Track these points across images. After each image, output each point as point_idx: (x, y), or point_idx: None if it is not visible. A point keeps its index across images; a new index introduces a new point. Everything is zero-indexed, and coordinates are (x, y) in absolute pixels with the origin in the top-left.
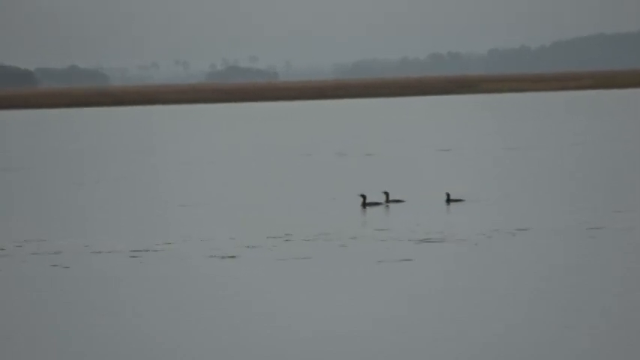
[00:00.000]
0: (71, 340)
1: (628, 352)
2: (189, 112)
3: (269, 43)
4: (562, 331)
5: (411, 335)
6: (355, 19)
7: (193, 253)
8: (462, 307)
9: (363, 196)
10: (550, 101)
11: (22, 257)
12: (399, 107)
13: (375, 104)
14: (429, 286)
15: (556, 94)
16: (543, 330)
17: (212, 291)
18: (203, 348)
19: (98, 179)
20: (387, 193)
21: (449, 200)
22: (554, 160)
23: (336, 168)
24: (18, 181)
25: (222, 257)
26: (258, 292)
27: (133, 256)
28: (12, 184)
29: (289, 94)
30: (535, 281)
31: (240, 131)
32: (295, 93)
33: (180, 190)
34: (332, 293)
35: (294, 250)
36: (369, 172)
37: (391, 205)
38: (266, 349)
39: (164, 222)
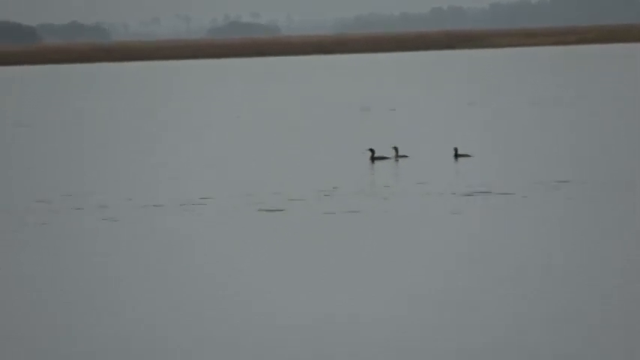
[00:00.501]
0: (133, 293)
1: None
2: (194, 68)
3: None
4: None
5: (473, 286)
6: None
7: (241, 207)
8: (520, 260)
9: (372, 151)
10: (555, 55)
11: (69, 211)
12: (407, 62)
13: (381, 59)
14: (480, 240)
15: (558, 48)
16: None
17: (265, 243)
18: (264, 297)
19: (119, 135)
20: (396, 148)
21: (457, 155)
22: (582, 114)
23: (362, 122)
24: (36, 137)
25: (271, 210)
26: (310, 245)
27: (181, 210)
28: (32, 139)
29: (292, 49)
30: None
31: (256, 86)
32: (298, 48)
33: (211, 145)
34: (384, 247)
35: (340, 204)
36: (396, 127)
37: (400, 159)
38: (322, 300)
39: (204, 177)
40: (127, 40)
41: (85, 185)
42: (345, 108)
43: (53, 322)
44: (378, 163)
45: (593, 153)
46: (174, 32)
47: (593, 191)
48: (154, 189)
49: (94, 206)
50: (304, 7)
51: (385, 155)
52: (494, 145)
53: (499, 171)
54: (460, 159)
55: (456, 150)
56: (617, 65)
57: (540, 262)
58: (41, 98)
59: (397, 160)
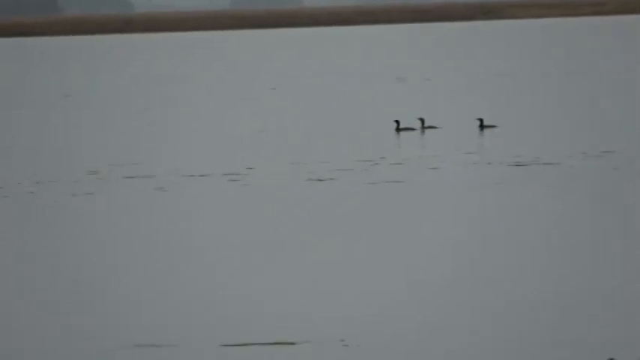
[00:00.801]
0: (183, 261)
1: None
2: (217, 40)
3: None
4: None
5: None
6: None
7: (288, 176)
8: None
9: (397, 122)
10: (578, 27)
11: (118, 180)
12: (431, 33)
13: (403, 30)
14: (530, 211)
15: (578, 19)
16: None
17: (312, 211)
18: (312, 265)
19: (161, 106)
20: (422, 120)
21: (482, 126)
22: (606, 85)
23: (398, 93)
24: (81, 107)
25: (319, 180)
26: (357, 214)
27: (229, 180)
28: (77, 109)
29: (314, 21)
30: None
31: (286, 58)
32: (320, 19)
33: (251, 116)
34: (430, 217)
35: (386, 173)
36: (427, 98)
37: (427, 130)
38: (370, 270)
39: (247, 147)
40: (149, 11)
41: (131, 155)
42: (380, 78)
43: (106, 286)
44: (403, 134)
45: (625, 123)
46: (196, 4)
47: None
48: (200, 159)
49: (142, 176)
50: None
51: (411, 126)
52: (521, 115)
53: (532, 141)
54: (486, 130)
55: (481, 121)
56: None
57: (587, 235)
58: (75, 69)
59: (423, 132)
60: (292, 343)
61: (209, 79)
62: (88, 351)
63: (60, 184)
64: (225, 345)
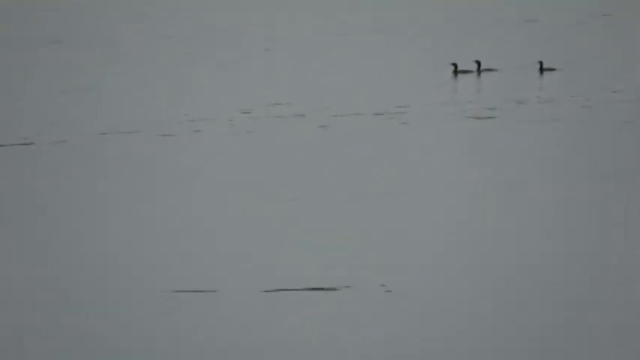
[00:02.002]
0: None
1: None
2: None
3: None
4: None
5: None
6: None
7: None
8: None
9: (455, 65)
10: None
11: (271, 120)
12: None
13: None
14: None
15: None
16: None
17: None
18: (354, 209)
19: (303, 44)
20: (478, 62)
21: (542, 69)
22: None
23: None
24: (231, 47)
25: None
26: (431, 155)
27: (384, 119)
28: (228, 50)
29: None
30: None
31: None
32: None
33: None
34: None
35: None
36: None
37: (483, 73)
38: (417, 217)
39: (338, 88)
40: None
41: (282, 95)
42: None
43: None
44: (461, 76)
45: None
46: None
47: None
48: (350, 97)
49: (293, 115)
50: None
51: (469, 69)
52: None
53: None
54: (545, 72)
55: (541, 63)
56: None
57: None
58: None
59: (479, 75)
60: (333, 289)
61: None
62: (128, 296)
63: (215, 124)
64: (266, 291)
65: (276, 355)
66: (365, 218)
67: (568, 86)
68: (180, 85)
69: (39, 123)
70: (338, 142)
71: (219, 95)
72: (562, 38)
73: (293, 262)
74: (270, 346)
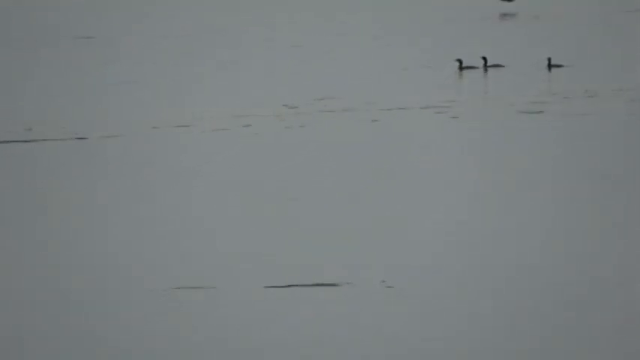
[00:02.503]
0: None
1: None
2: None
3: None
4: None
5: None
6: None
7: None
8: None
9: (460, 61)
10: None
11: (317, 115)
12: None
13: None
14: None
15: None
16: None
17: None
18: (354, 206)
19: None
20: (484, 58)
21: (550, 66)
22: None
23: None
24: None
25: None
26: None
27: (432, 112)
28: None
29: None
30: None
31: None
32: None
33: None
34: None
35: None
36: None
37: (490, 69)
38: (417, 213)
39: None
40: None
41: (325, 89)
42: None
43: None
44: (466, 72)
45: None
46: None
47: None
48: (394, 92)
49: (340, 110)
50: None
51: (474, 65)
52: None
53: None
54: (553, 69)
55: (549, 60)
56: None
57: None
58: None
59: (486, 71)
60: (334, 285)
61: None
62: (128, 294)
63: (260, 118)
64: (268, 287)
65: (277, 351)
66: (367, 214)
67: (578, 82)
68: (227, 80)
69: (90, 117)
70: (388, 136)
71: (263, 91)
72: (566, 35)
73: (294, 258)
74: (270, 343)
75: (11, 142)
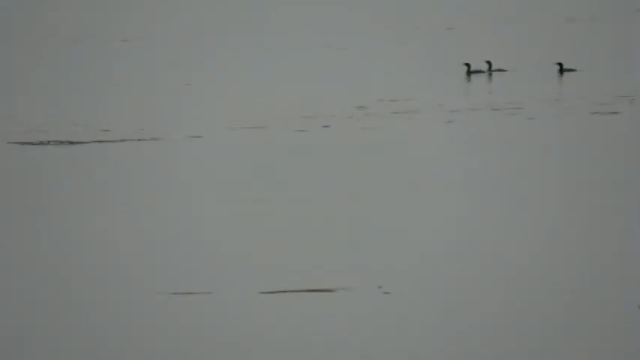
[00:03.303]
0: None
1: None
2: None
3: None
4: None
5: None
6: None
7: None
8: None
9: (468, 65)
10: None
11: (385, 116)
12: None
13: None
14: None
15: None
16: None
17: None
18: (350, 212)
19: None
20: (489, 62)
21: (561, 70)
22: None
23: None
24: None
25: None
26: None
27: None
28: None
29: None
30: None
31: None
32: None
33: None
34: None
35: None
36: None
37: (494, 73)
38: (412, 218)
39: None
40: None
41: (394, 91)
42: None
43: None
44: (473, 76)
45: None
46: None
47: None
48: (460, 93)
49: (411, 111)
50: None
51: (481, 69)
52: (598, 59)
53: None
54: (565, 74)
55: (560, 65)
56: None
57: None
58: None
59: (490, 74)
60: (330, 290)
61: None
62: (128, 297)
63: (332, 119)
64: (263, 292)
65: (272, 357)
66: (364, 219)
67: (589, 88)
68: (297, 82)
69: (166, 118)
70: (463, 137)
71: (333, 92)
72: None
73: (291, 263)
74: (265, 348)
75: (89, 142)
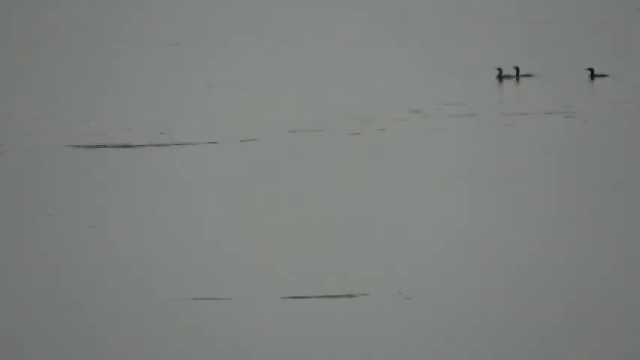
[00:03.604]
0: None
1: None
2: None
3: None
4: None
5: None
6: None
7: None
8: None
9: (500, 70)
10: None
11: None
12: None
13: None
14: None
15: None
16: None
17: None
18: (369, 216)
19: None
20: (517, 68)
21: (592, 75)
22: None
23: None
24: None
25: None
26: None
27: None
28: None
29: None
30: None
31: None
32: None
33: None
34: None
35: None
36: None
37: (522, 79)
38: (431, 222)
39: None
40: None
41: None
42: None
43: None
44: (504, 81)
45: None
46: None
47: None
48: (513, 96)
49: (466, 114)
50: None
51: (510, 74)
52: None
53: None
54: (597, 79)
55: (591, 70)
56: None
57: None
58: None
59: (518, 80)
60: (351, 296)
61: None
62: (148, 302)
63: (371, 123)
64: (285, 297)
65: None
66: (384, 224)
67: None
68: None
69: (224, 121)
70: (521, 141)
71: (386, 95)
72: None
73: (312, 268)
74: (287, 354)
75: (145, 146)
